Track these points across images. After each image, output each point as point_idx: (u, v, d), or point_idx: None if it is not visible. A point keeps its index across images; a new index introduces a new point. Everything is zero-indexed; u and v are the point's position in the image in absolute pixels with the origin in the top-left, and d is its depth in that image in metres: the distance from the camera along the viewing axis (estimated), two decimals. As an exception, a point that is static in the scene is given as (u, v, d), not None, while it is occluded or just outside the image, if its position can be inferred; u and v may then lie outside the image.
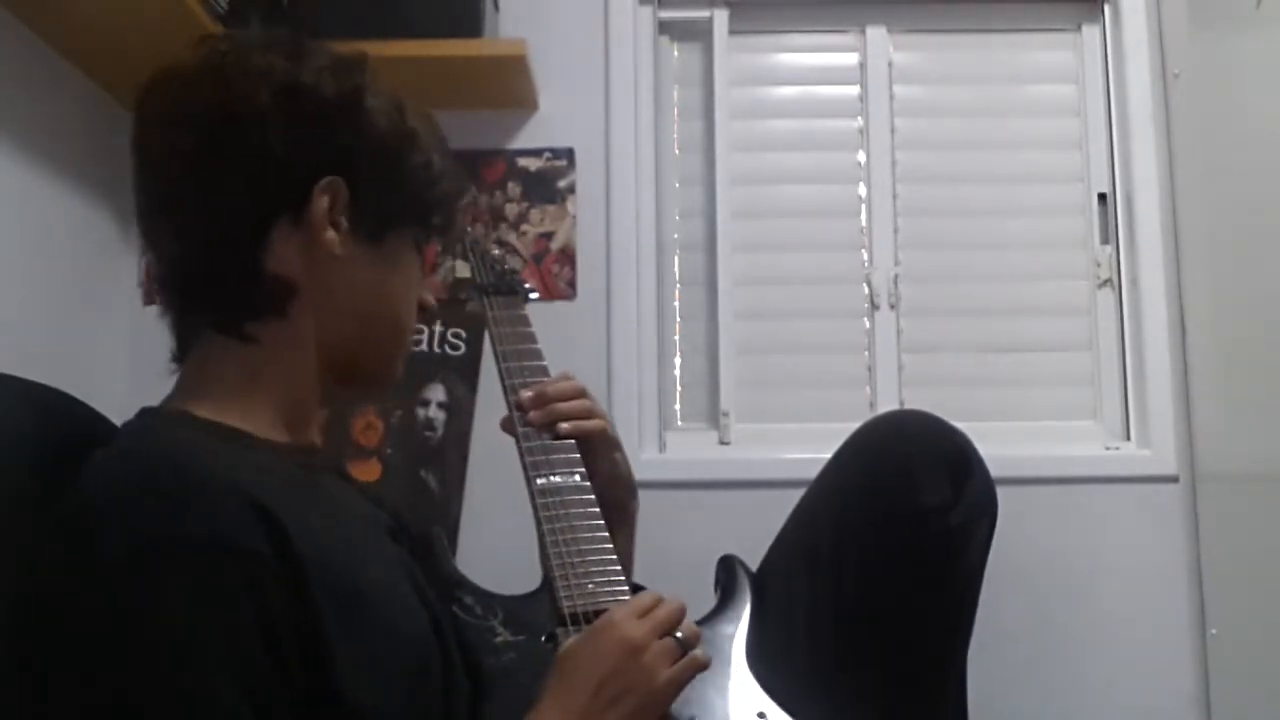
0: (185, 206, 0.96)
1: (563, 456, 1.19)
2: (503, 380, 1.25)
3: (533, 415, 1.19)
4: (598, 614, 1.03)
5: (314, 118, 0.96)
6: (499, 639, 1.06)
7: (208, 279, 0.96)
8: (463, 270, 1.10)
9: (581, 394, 1.23)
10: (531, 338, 1.30)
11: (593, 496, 1.15)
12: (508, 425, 1.22)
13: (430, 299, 1.09)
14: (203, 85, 0.96)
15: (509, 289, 1.36)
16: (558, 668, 0.94)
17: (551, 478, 1.17)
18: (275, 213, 0.95)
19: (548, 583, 1.11)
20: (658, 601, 0.98)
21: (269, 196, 0.95)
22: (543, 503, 1.15)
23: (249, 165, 0.95)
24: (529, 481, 1.17)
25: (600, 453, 1.23)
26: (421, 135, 1.03)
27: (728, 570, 1.32)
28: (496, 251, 1.45)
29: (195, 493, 0.81)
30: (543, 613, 1.10)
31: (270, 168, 0.95)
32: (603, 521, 1.14)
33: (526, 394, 1.21)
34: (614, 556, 1.12)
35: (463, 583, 1.15)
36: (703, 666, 0.97)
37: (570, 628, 1.04)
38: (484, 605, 1.11)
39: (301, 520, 0.85)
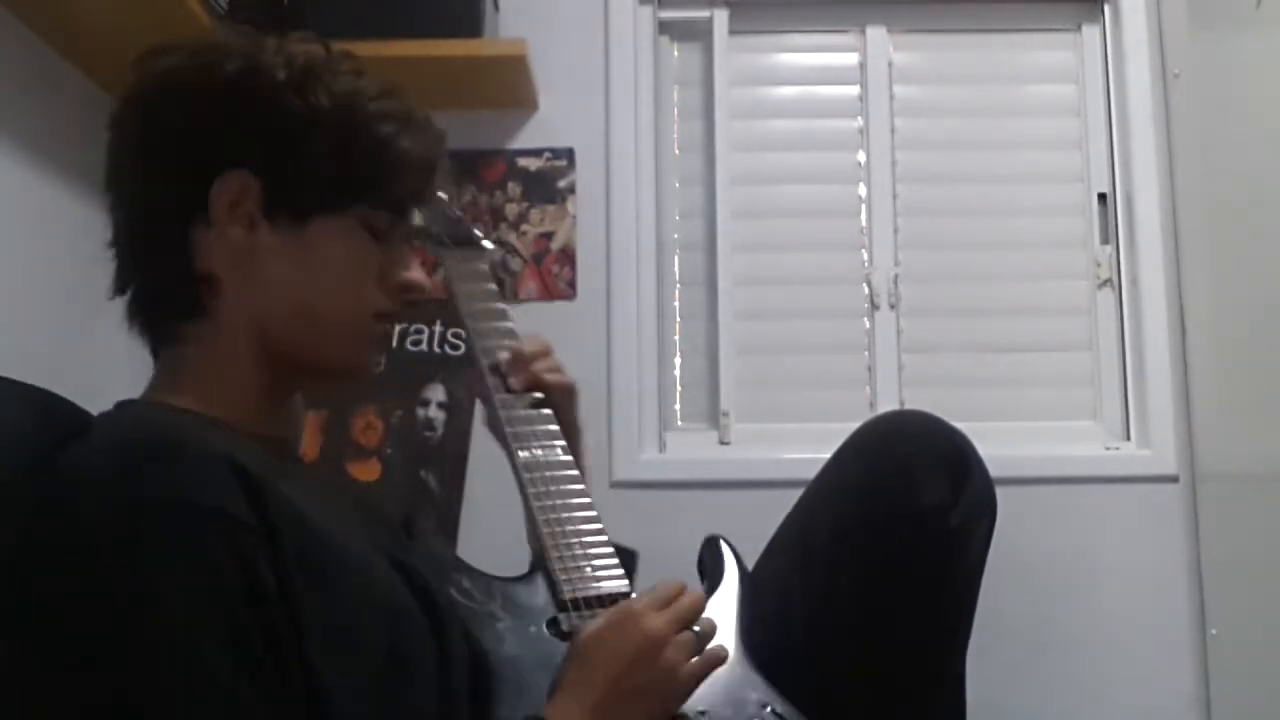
0: (113, 209, 0.99)
1: (542, 428, 1.18)
2: (470, 342, 1.24)
3: (514, 381, 1.19)
4: (599, 599, 1.03)
5: (207, 110, 0.95)
6: (500, 625, 1.05)
7: (140, 287, 0.98)
8: (416, 219, 1.07)
9: (549, 351, 1.24)
10: (495, 294, 1.27)
11: (577, 472, 1.15)
12: (477, 388, 1.22)
13: (414, 277, 1.03)
14: (119, 104, 0.99)
15: (465, 239, 1.31)
16: (576, 657, 0.93)
17: (535, 451, 1.17)
18: (186, 214, 0.94)
19: (542, 564, 1.11)
20: (680, 592, 0.98)
21: (176, 196, 0.95)
22: (528, 478, 1.14)
23: (149, 172, 0.96)
24: (510, 455, 1.17)
25: (567, 407, 1.23)
26: (347, 103, 0.97)
27: (712, 553, 1.30)
28: (457, 210, 1.37)
29: (174, 458, 0.81)
30: (540, 596, 1.08)
31: (167, 170, 0.95)
32: (590, 499, 1.14)
33: (504, 357, 1.20)
34: (606, 537, 1.12)
35: (458, 565, 1.12)
36: (721, 661, 0.97)
37: (571, 613, 1.04)
38: (482, 589, 1.09)
39: (278, 489, 0.85)
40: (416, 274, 1.03)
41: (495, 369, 1.20)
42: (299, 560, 0.83)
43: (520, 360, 1.20)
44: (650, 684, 0.92)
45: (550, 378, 1.21)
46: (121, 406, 0.96)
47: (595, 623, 0.95)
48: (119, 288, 0.99)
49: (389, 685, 0.89)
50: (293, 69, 0.96)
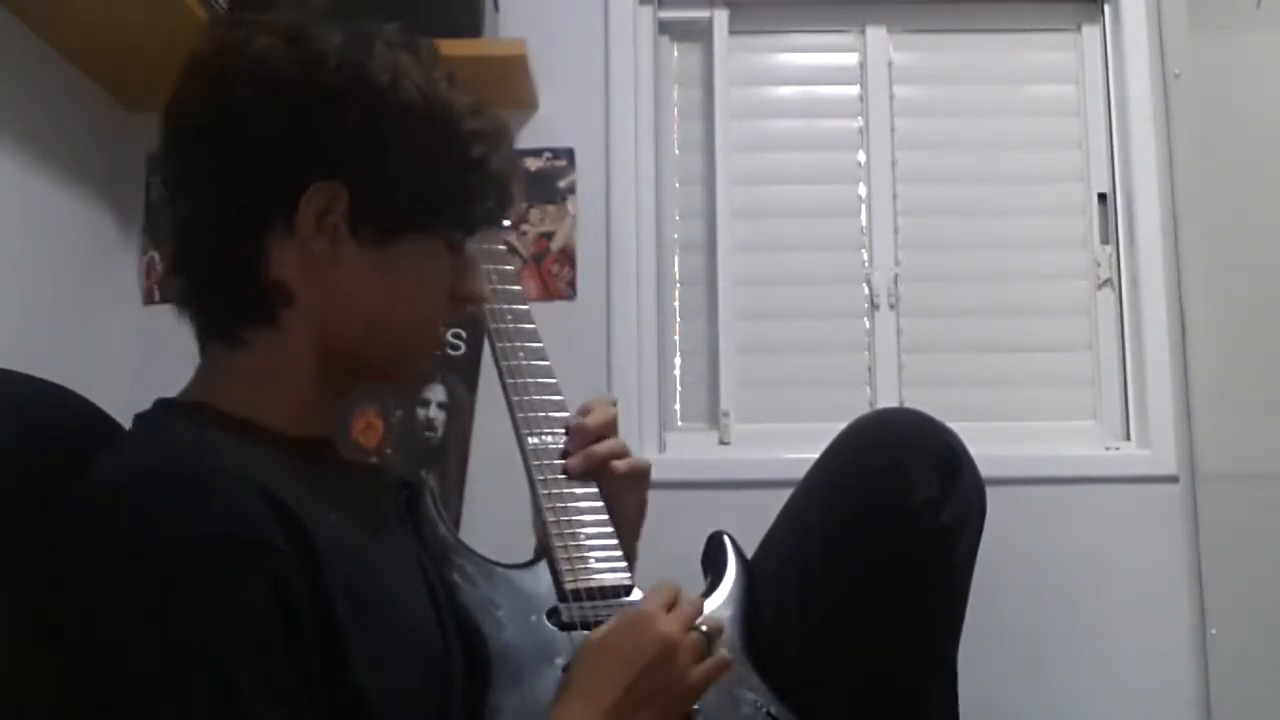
0: (182, 208, 0.95)
1: (550, 416, 1.17)
2: (485, 322, 1.22)
3: (573, 464, 1.13)
4: (600, 590, 1.02)
5: (306, 112, 0.90)
6: (500, 612, 1.05)
7: (201, 281, 0.95)
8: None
9: (613, 422, 1.17)
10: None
11: None
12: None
13: (478, 289, 1.01)
14: (194, 82, 0.93)
15: None
16: (588, 659, 0.93)
17: (544, 438, 1.16)
18: (266, 218, 0.91)
19: (546, 551, 1.11)
20: (678, 593, 0.98)
21: (257, 202, 0.91)
22: (536, 465, 1.13)
23: (233, 170, 0.91)
24: (520, 440, 1.15)
25: (634, 490, 1.18)
26: (444, 120, 0.95)
27: (715, 550, 1.30)
28: None
29: (210, 488, 0.80)
30: (542, 585, 1.08)
31: (254, 172, 0.91)
32: (596, 489, 1.13)
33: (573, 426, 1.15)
34: (610, 529, 1.11)
35: (461, 550, 1.11)
36: (728, 666, 0.97)
37: (572, 604, 1.04)
38: (484, 575, 1.08)
39: (315, 515, 0.84)
40: (481, 285, 1.02)
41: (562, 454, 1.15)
42: (340, 586, 0.83)
43: (583, 434, 1.14)
44: (663, 687, 0.92)
45: (619, 465, 1.14)
46: (159, 406, 0.94)
47: (607, 624, 0.95)
48: (177, 270, 0.95)
49: (423, 704, 0.90)
50: (394, 74, 0.93)
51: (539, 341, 1.23)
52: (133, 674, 0.75)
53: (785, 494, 1.36)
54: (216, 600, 0.76)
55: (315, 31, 0.93)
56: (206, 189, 0.93)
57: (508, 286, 1.24)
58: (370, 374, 1.00)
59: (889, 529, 1.19)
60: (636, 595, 1.08)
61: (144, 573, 0.76)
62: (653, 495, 1.22)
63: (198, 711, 0.75)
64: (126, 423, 0.96)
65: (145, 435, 0.92)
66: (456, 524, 1.98)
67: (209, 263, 0.94)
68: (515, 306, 1.23)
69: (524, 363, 1.21)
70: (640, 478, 1.18)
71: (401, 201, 0.93)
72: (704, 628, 0.96)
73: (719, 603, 1.21)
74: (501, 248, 1.28)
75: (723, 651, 0.97)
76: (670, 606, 0.96)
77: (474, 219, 0.99)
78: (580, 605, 1.04)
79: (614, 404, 1.19)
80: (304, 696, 0.79)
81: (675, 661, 0.92)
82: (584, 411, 1.17)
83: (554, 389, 1.19)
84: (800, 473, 1.37)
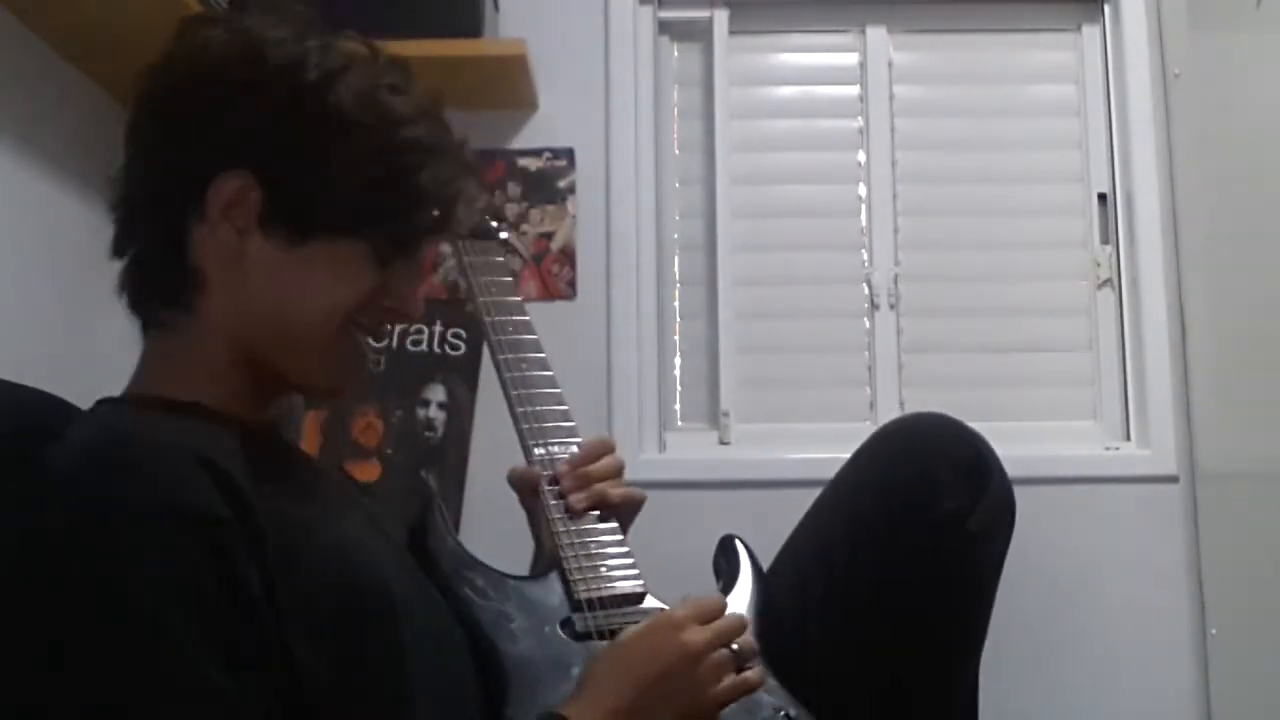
0: (120, 192, 0.96)
1: (557, 426, 1.17)
2: (487, 335, 1.22)
3: (575, 500, 1.12)
4: (613, 599, 1.01)
5: (221, 104, 0.91)
6: (514, 625, 1.04)
7: (130, 263, 0.96)
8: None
9: (618, 467, 1.17)
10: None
11: None
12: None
13: (410, 309, 0.98)
14: (167, 52, 0.95)
15: (482, 233, 1.29)
16: (608, 658, 0.93)
17: (552, 449, 1.16)
18: (184, 206, 0.91)
19: (556, 563, 1.10)
20: (720, 608, 0.97)
21: (175, 189, 0.92)
22: (545, 475, 1.14)
23: (156, 149, 0.93)
24: (526, 451, 1.16)
25: (630, 517, 1.19)
26: (376, 126, 0.92)
27: (727, 554, 1.29)
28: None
29: (146, 460, 0.80)
30: (555, 596, 1.08)
31: (174, 153, 0.92)
32: None
33: (561, 467, 1.15)
34: (620, 537, 1.11)
35: (471, 562, 1.10)
36: (755, 687, 0.96)
37: (586, 614, 1.04)
38: (496, 587, 1.07)
39: (254, 482, 0.84)
40: (411, 303, 0.98)
41: (553, 480, 1.15)
42: (284, 554, 0.82)
43: (584, 478, 1.14)
44: (678, 695, 0.91)
45: (615, 495, 1.15)
46: (101, 403, 0.95)
47: (635, 627, 0.95)
48: (117, 252, 0.97)
49: (371, 676, 0.87)
50: (326, 73, 0.91)
51: (541, 351, 1.23)
52: (70, 642, 0.75)
53: (785, 494, 1.36)
54: (157, 570, 0.76)
55: (261, 28, 0.94)
56: (136, 168, 0.94)
57: (506, 298, 1.25)
58: (282, 376, 0.97)
59: (916, 536, 1.18)
60: (650, 602, 1.08)
61: (79, 541, 0.76)
62: (653, 495, 1.22)
63: (141, 674, 0.75)
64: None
65: (83, 425, 0.91)
66: (456, 524, 1.98)
67: (136, 244, 0.95)
68: (515, 317, 1.24)
69: (527, 373, 1.21)
70: (635, 507, 1.19)
71: (318, 203, 0.92)
72: (735, 645, 0.95)
73: (733, 606, 1.21)
74: (499, 259, 1.28)
75: (753, 672, 0.96)
76: (707, 619, 0.95)
77: (404, 231, 0.95)
78: (594, 615, 1.04)
79: (612, 450, 1.19)
80: (254, 664, 0.78)
81: (694, 672, 0.92)
82: (588, 456, 1.16)
83: (558, 398, 1.19)
84: (800, 473, 1.37)
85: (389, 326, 1.03)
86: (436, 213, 0.97)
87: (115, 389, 0.98)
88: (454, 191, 0.97)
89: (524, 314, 1.24)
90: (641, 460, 2.04)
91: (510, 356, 1.21)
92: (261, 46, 0.92)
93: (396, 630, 0.90)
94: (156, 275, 0.94)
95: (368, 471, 1.98)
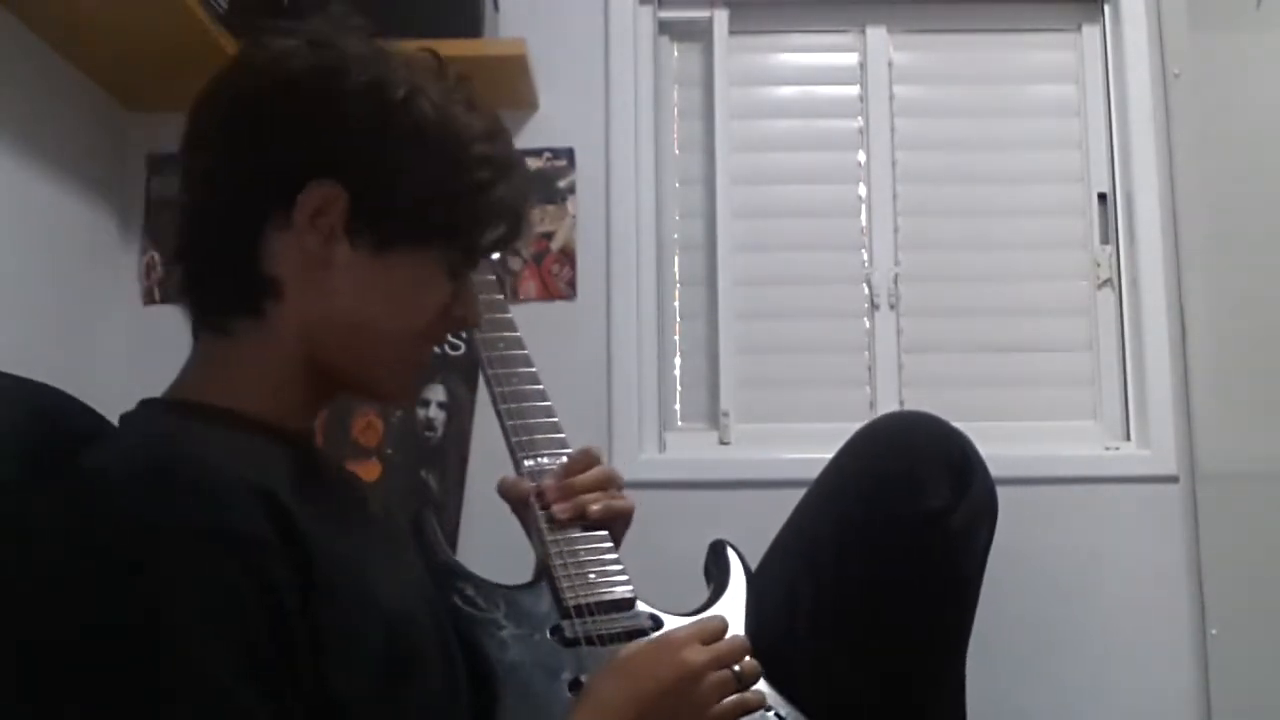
0: (188, 194, 0.96)
1: (547, 438, 1.18)
2: (478, 351, 1.24)
3: (559, 510, 1.14)
4: (601, 604, 1.02)
5: (308, 114, 0.92)
6: (504, 632, 1.05)
7: (198, 268, 0.95)
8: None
9: (606, 480, 1.19)
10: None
11: None
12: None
13: (473, 317, 1.02)
14: (218, 76, 0.95)
15: None
16: (609, 674, 0.93)
17: (540, 460, 1.17)
18: (264, 209, 0.92)
19: (545, 571, 1.11)
20: (723, 629, 0.97)
21: (258, 195, 0.92)
22: (533, 486, 1.15)
23: (238, 156, 0.93)
24: (516, 464, 1.17)
25: (620, 530, 1.20)
26: (455, 141, 0.96)
27: (717, 558, 1.30)
28: None
29: (198, 481, 0.80)
30: (544, 603, 1.09)
31: (261, 165, 0.92)
32: None
33: (548, 482, 1.17)
34: (609, 544, 1.12)
35: (462, 573, 1.12)
36: (756, 708, 0.96)
37: (575, 620, 1.04)
38: (486, 597, 1.09)
39: (303, 504, 0.84)
40: (474, 311, 1.02)
41: (540, 494, 1.16)
42: (326, 578, 0.82)
43: (568, 489, 1.16)
44: (675, 715, 0.91)
45: (594, 511, 1.16)
46: (143, 405, 0.94)
47: (637, 644, 0.96)
48: (180, 256, 0.96)
49: (402, 703, 0.89)
50: (412, 92, 0.94)
51: (531, 366, 1.25)
52: (110, 663, 0.74)
53: (785, 494, 1.36)
54: (202, 593, 0.76)
55: (339, 40, 0.96)
56: (212, 174, 0.94)
57: (496, 315, 1.26)
58: (352, 384, 0.99)
59: (900, 534, 1.18)
60: (641, 607, 1.09)
61: (127, 559, 0.76)
62: (653, 495, 1.22)
63: (180, 698, 0.74)
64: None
65: (131, 432, 0.92)
66: (456, 524, 1.98)
67: (208, 249, 0.95)
68: (506, 334, 1.25)
69: (517, 388, 1.22)
70: (621, 520, 1.20)
71: (401, 214, 0.94)
72: (737, 667, 0.95)
73: (723, 610, 1.21)
74: (491, 278, 1.30)
75: (754, 694, 0.96)
76: (709, 639, 0.95)
77: (476, 243, 0.99)
78: (583, 621, 1.05)
79: (599, 461, 1.20)
80: (290, 694, 0.78)
81: (693, 691, 0.92)
82: (574, 468, 1.18)
83: (548, 411, 1.21)
84: (800, 473, 1.37)
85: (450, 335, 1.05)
86: (504, 228, 1.00)
87: (115, 389, 0.98)
88: (521, 208, 1.01)
89: (514, 330, 1.26)
90: (641, 460, 2.04)
91: (501, 371, 1.23)
92: (344, 60, 0.94)
93: (426, 680, 0.92)
94: (228, 281, 0.94)
95: (368, 471, 1.98)
